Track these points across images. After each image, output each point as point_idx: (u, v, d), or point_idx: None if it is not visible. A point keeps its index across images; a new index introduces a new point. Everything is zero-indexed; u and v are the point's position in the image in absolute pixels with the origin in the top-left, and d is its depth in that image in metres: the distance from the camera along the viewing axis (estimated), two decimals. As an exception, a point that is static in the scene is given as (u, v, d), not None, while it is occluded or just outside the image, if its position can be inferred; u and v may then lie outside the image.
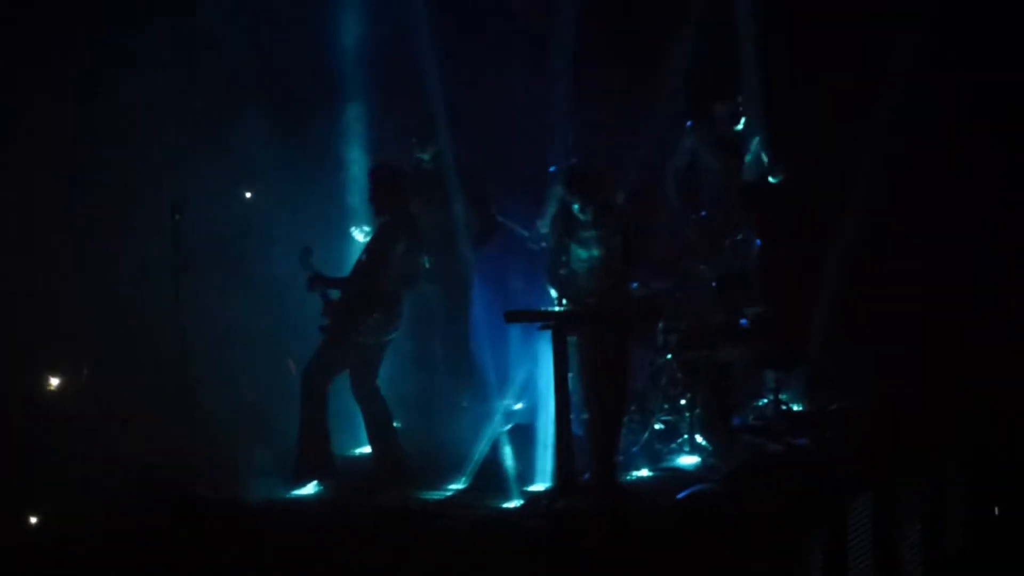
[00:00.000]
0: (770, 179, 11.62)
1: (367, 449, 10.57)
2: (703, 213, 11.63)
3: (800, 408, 11.42)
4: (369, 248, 10.39)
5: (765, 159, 11.61)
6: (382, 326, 10.26)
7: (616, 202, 10.17)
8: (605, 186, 10.08)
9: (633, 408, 10.56)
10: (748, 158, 11.76)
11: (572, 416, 9.72)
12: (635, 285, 10.42)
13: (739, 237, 11.37)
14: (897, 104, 12.08)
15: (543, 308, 10.06)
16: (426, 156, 11.19)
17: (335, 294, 10.32)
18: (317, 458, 10.17)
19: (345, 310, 10.27)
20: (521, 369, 11.01)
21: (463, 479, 10.20)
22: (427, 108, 11.32)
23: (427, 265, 10.89)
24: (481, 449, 10.36)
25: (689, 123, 11.86)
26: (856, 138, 12.19)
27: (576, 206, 9.89)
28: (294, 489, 10.09)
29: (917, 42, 12.00)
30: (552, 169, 11.14)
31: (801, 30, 12.42)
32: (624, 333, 9.92)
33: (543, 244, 11.04)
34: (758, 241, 10.86)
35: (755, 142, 11.69)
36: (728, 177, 11.59)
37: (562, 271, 10.11)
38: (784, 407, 10.98)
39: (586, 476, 9.80)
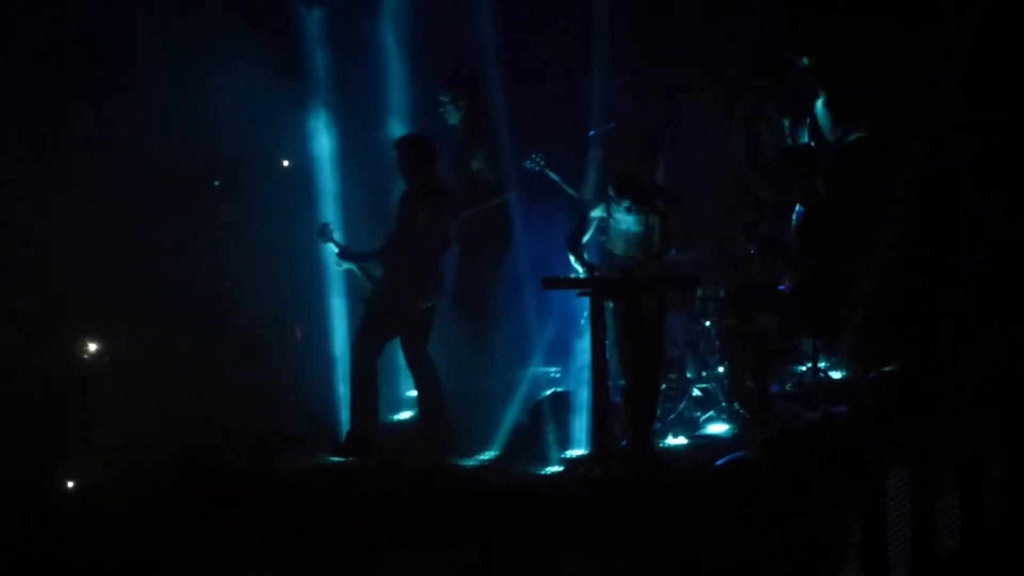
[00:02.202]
0: (850, 138, 11.54)
1: (405, 415, 10.60)
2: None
3: (839, 376, 11.38)
4: (395, 219, 10.40)
5: (827, 121, 11.54)
6: (416, 296, 10.28)
7: (657, 194, 10.15)
8: (646, 186, 10.13)
9: (670, 375, 10.55)
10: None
11: (609, 383, 9.74)
12: (673, 252, 10.41)
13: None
14: (959, 71, 11.93)
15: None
16: (453, 119, 11.12)
17: (374, 267, 10.34)
18: (365, 435, 10.22)
19: (384, 282, 10.31)
20: (559, 335, 11.00)
21: (500, 445, 10.24)
22: (457, 66, 11.23)
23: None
24: (519, 415, 10.40)
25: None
26: (911, 108, 12.06)
27: (624, 203, 9.92)
28: (333, 457, 10.19)
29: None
30: (592, 133, 11.09)
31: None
32: (662, 300, 9.92)
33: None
34: (800, 207, 10.77)
35: (819, 103, 11.63)
36: (794, 133, 11.56)
37: (601, 237, 10.13)
38: (822, 375, 10.94)
39: (623, 443, 9.82)
